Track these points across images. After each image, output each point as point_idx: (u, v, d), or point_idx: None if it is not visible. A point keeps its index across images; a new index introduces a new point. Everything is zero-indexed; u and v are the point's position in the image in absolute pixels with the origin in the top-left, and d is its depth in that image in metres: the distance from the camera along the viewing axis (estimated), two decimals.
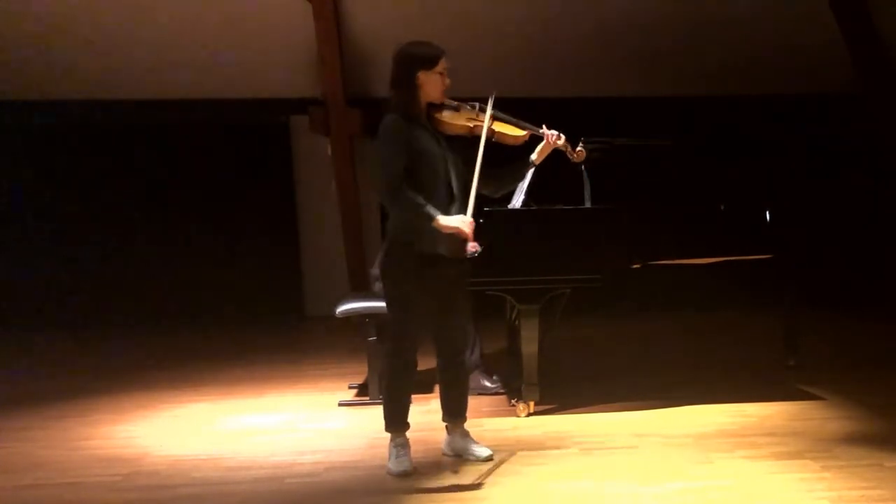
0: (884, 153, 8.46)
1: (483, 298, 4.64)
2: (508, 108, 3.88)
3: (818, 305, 7.20)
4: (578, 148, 4.03)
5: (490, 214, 4.39)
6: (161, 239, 8.39)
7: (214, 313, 8.26)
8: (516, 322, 4.78)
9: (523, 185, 4.82)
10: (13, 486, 3.70)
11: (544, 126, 3.89)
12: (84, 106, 8.04)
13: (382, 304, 4.85)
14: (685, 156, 5.32)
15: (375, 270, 5.13)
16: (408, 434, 3.82)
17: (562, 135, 3.89)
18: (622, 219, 4.62)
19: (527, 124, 3.88)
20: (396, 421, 3.79)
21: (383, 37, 7.71)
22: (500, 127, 3.77)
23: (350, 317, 4.92)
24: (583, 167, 4.78)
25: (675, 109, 8.10)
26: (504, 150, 3.85)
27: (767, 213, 4.95)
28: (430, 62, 3.61)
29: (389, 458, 3.77)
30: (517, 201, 4.85)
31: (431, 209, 3.49)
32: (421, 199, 3.49)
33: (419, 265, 3.60)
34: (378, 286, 5.08)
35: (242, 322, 8.16)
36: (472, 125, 3.71)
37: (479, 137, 3.62)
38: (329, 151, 8.04)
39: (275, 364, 6.26)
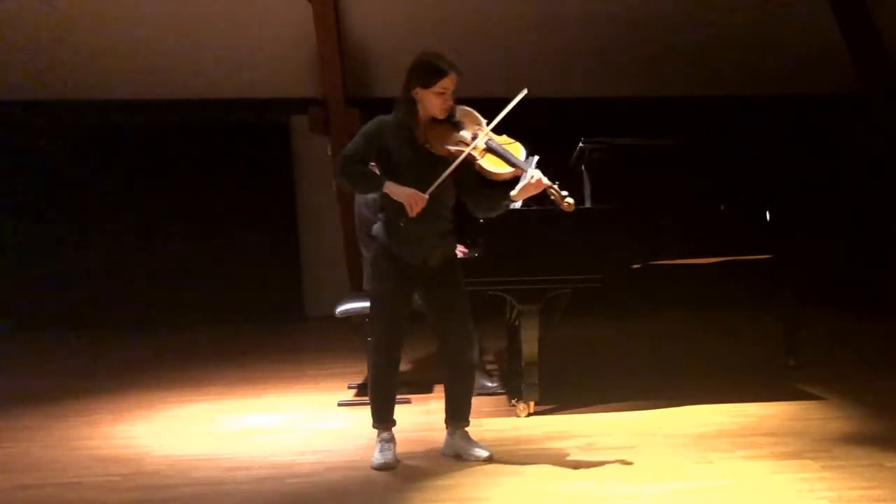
0: (884, 153, 8.46)
1: (483, 298, 4.64)
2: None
3: (818, 305, 7.19)
4: (568, 199, 3.53)
5: None
6: (161, 239, 8.39)
7: (214, 313, 8.27)
8: (516, 322, 4.78)
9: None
10: (13, 486, 3.70)
11: (534, 164, 3.58)
12: (84, 106, 8.05)
13: None
14: (685, 156, 5.31)
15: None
16: (408, 434, 3.83)
17: (545, 181, 3.52)
18: (622, 219, 4.62)
19: (519, 162, 3.58)
20: (380, 417, 3.82)
21: (383, 37, 7.74)
22: (485, 160, 3.57)
23: (350, 317, 4.92)
24: (583, 167, 4.78)
25: (675, 109, 8.09)
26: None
27: (767, 213, 4.95)
28: (428, 80, 3.50)
29: (374, 453, 3.80)
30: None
31: (380, 177, 3.50)
32: (370, 170, 3.53)
33: (397, 265, 3.62)
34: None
35: (242, 322, 8.17)
36: (453, 150, 3.56)
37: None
38: (329, 151, 8.04)
39: (275, 364, 6.26)
